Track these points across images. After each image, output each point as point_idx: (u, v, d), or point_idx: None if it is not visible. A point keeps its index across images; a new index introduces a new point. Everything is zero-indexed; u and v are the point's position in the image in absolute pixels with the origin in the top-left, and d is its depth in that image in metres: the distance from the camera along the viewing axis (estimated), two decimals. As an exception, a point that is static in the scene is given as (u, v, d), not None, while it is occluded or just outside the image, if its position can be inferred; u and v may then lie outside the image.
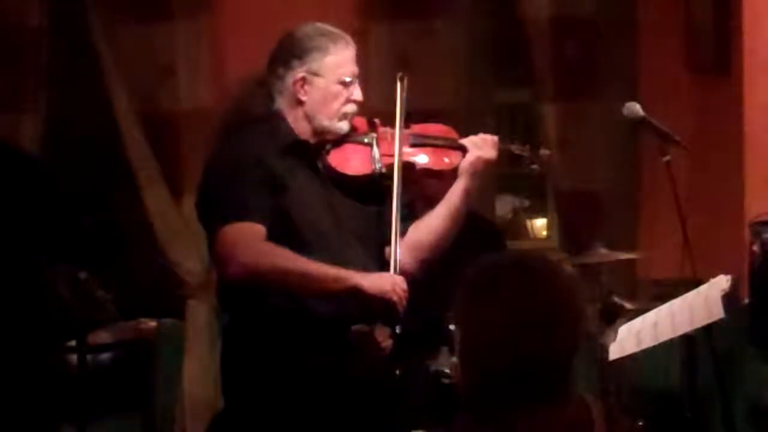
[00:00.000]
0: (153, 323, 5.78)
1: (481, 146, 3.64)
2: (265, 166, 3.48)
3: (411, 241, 3.61)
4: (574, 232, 5.85)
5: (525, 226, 6.72)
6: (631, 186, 5.87)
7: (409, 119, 3.68)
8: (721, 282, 3.75)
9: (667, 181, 3.96)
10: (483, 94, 6.00)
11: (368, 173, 3.60)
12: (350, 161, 3.60)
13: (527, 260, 2.39)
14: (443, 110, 5.34)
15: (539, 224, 6.63)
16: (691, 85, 5.82)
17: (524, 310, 2.25)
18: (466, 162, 3.64)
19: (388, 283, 3.44)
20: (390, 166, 3.57)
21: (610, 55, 5.83)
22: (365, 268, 3.53)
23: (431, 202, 3.78)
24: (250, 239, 3.40)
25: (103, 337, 5.50)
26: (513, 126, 6.42)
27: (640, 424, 5.24)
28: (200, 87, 5.77)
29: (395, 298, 3.43)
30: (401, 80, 3.68)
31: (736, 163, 5.39)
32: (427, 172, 3.67)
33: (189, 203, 5.73)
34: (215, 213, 3.47)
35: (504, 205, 6.61)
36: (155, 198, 5.74)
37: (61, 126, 5.82)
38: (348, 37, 3.63)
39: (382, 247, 3.62)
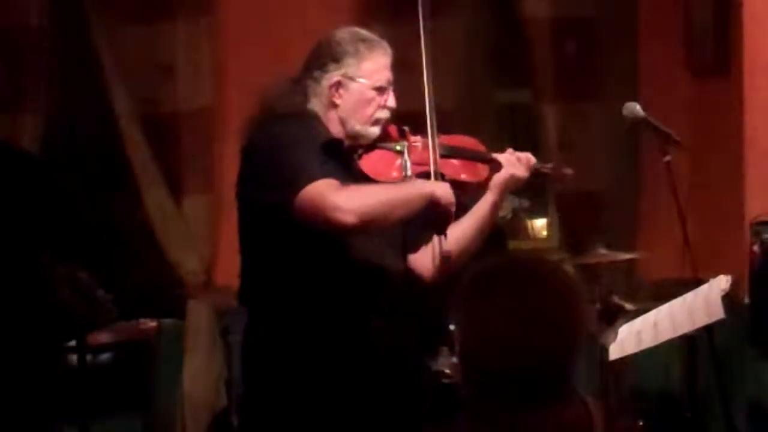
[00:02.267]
0: (153, 323, 5.78)
1: (515, 164, 3.68)
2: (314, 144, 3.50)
3: (436, 249, 3.62)
4: (574, 232, 5.85)
5: (525, 226, 6.71)
6: (631, 186, 5.87)
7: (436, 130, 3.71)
8: (721, 282, 3.75)
9: (667, 181, 3.95)
10: (483, 94, 6.00)
11: (398, 181, 3.61)
12: (381, 168, 3.63)
13: (527, 261, 2.39)
14: (443, 110, 5.33)
15: (539, 224, 6.62)
16: (691, 85, 5.82)
17: (524, 310, 2.25)
18: (499, 178, 3.69)
19: (450, 194, 3.52)
20: (420, 175, 3.59)
21: (610, 55, 5.83)
22: (395, 271, 3.60)
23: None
24: (339, 188, 3.40)
25: (103, 337, 5.50)
26: (513, 126, 6.41)
27: (640, 424, 5.25)
28: (200, 87, 5.77)
29: (453, 209, 3.52)
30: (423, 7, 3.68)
31: (736, 163, 5.39)
32: (454, 183, 3.67)
33: (189, 203, 5.76)
34: (285, 183, 3.42)
35: (504, 205, 6.60)
36: (155, 198, 5.74)
37: (61, 126, 5.82)
38: (385, 44, 3.65)
39: (406, 255, 3.67)
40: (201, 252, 5.77)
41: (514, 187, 3.72)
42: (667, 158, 3.99)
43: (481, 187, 3.72)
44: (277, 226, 3.47)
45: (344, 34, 3.64)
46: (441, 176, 3.61)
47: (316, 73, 3.60)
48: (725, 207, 5.48)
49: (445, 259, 3.53)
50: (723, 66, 5.53)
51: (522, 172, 3.68)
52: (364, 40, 3.62)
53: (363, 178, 3.60)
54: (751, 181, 5.35)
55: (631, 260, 5.54)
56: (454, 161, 3.69)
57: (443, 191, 3.49)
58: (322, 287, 3.53)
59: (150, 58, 5.73)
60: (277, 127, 3.55)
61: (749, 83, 5.36)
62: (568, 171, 3.87)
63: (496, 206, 3.71)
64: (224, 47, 5.81)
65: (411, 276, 3.67)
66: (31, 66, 5.66)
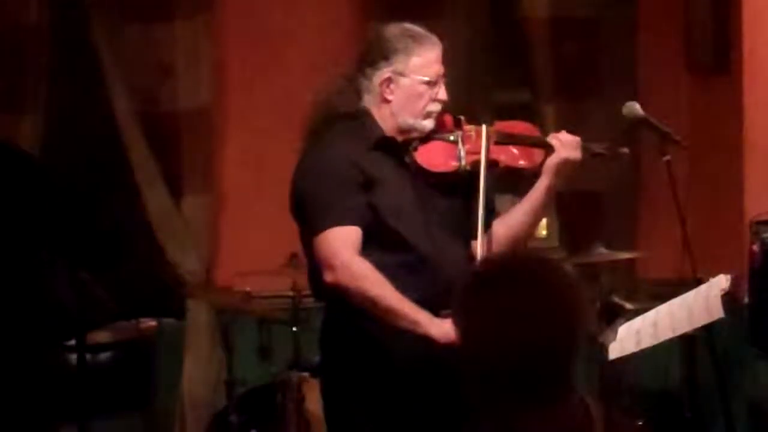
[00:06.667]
0: (153, 323, 5.78)
1: (567, 147, 3.72)
2: (356, 164, 3.59)
3: (494, 235, 3.71)
4: (573, 232, 5.85)
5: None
6: (631, 186, 5.87)
7: (492, 117, 3.76)
8: (721, 282, 3.74)
9: (667, 181, 3.95)
10: (483, 94, 6.00)
11: (454, 170, 3.67)
12: (437, 158, 3.68)
13: (527, 259, 2.39)
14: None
15: (539, 224, 6.62)
16: (691, 85, 5.82)
17: (524, 309, 2.25)
18: (551, 161, 3.72)
19: (448, 336, 3.40)
20: (474, 164, 3.64)
21: (610, 55, 5.83)
22: (459, 259, 3.62)
23: None
24: (349, 251, 3.51)
25: (103, 337, 5.51)
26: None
27: (640, 424, 5.25)
28: (200, 87, 5.77)
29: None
30: (486, 127, 3.72)
31: (735, 163, 5.39)
32: (510, 170, 3.74)
33: (189, 203, 5.76)
34: (313, 217, 3.57)
35: (503, 205, 6.59)
36: (155, 198, 5.74)
37: (61, 126, 5.82)
38: (434, 38, 3.70)
39: (468, 241, 3.71)
40: (201, 252, 5.77)
41: (569, 170, 3.73)
42: (667, 158, 3.98)
43: (537, 171, 3.75)
44: None
45: (393, 30, 3.70)
46: (495, 163, 3.66)
47: (368, 71, 3.67)
48: (725, 207, 5.48)
49: None
50: (723, 66, 5.53)
51: (574, 154, 3.72)
52: (412, 35, 3.68)
53: (418, 171, 3.66)
54: (750, 180, 5.35)
55: (630, 260, 5.54)
56: (510, 148, 3.74)
57: (443, 334, 3.41)
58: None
59: (149, 58, 5.73)
60: (323, 146, 3.63)
61: (749, 83, 5.36)
62: (625, 150, 3.90)
63: (550, 190, 3.74)
64: (224, 47, 5.81)
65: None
66: (31, 66, 5.66)
